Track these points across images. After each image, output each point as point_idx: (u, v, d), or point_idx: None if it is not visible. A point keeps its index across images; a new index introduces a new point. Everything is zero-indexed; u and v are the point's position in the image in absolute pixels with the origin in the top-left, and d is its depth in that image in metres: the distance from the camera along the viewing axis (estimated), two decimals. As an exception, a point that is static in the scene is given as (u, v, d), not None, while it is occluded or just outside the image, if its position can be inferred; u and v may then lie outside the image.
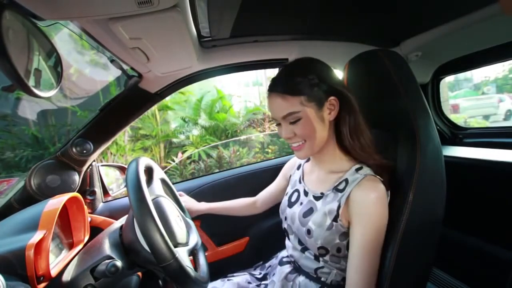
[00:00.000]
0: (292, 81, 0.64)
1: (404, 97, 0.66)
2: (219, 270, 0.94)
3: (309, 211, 0.68)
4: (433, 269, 1.19)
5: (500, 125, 3.03)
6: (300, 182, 0.78)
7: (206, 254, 0.99)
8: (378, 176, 0.62)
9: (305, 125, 0.63)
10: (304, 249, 0.70)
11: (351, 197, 0.60)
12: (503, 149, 1.06)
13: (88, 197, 0.97)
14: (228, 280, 0.82)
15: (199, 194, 1.10)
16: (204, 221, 1.10)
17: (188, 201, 1.00)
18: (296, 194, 0.76)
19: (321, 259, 0.67)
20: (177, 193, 0.87)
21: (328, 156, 0.70)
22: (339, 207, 0.62)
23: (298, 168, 0.83)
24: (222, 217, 1.00)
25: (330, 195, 0.65)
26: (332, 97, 0.63)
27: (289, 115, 0.63)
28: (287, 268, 0.76)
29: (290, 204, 0.76)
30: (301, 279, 0.71)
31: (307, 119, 0.63)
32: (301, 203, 0.72)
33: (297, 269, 0.74)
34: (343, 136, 0.65)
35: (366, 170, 0.63)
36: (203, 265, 0.72)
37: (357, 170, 0.64)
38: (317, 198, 0.68)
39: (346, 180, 0.63)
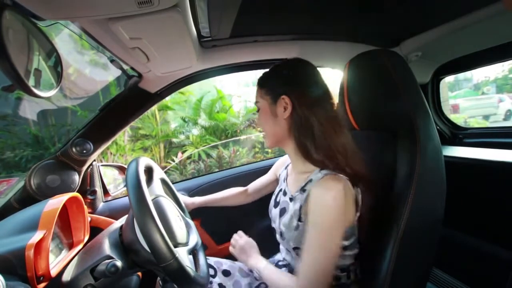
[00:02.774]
0: (265, 74, 0.71)
1: (404, 97, 0.66)
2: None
3: (282, 212, 0.69)
4: (433, 269, 1.19)
5: (500, 125, 3.03)
6: (284, 181, 0.78)
7: (206, 252, 0.99)
8: (340, 174, 0.59)
9: (260, 116, 0.70)
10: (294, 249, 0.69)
11: (310, 195, 0.59)
12: (503, 149, 1.06)
13: (89, 197, 0.97)
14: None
15: (199, 193, 1.11)
16: (204, 220, 1.10)
17: (181, 197, 0.98)
18: (280, 193, 0.76)
19: None
20: (177, 193, 0.87)
21: (292, 156, 0.70)
22: (301, 206, 0.62)
23: (286, 167, 0.84)
24: (223, 215, 1.02)
25: (298, 196, 0.65)
26: (284, 96, 0.63)
27: (255, 103, 0.71)
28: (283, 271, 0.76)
29: (275, 204, 0.75)
30: None
31: (262, 110, 0.69)
32: (280, 203, 0.72)
33: (292, 271, 0.74)
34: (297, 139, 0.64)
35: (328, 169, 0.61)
36: (203, 265, 0.72)
37: (321, 169, 0.62)
38: (290, 199, 0.68)
39: (311, 180, 0.62)
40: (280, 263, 0.80)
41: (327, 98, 0.65)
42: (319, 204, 0.56)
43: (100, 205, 1.03)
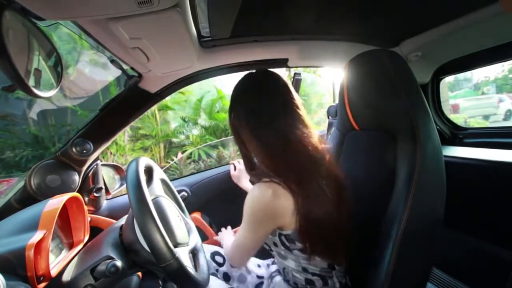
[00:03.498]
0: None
1: (404, 97, 0.66)
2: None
3: None
4: (433, 269, 1.19)
5: (500, 125, 3.03)
6: None
7: (206, 242, 1.03)
8: (275, 181, 0.58)
9: None
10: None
11: None
12: (503, 149, 1.06)
13: (95, 194, 0.99)
14: None
15: (199, 188, 1.21)
16: (204, 212, 1.17)
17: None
18: None
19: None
20: (177, 193, 0.87)
21: None
22: None
23: None
24: (221, 206, 1.11)
25: None
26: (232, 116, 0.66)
27: None
28: (274, 267, 0.80)
29: None
30: (278, 279, 0.74)
31: None
32: None
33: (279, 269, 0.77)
34: None
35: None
36: (203, 265, 0.72)
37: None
38: None
39: None
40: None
41: (280, 114, 0.60)
42: (246, 200, 0.62)
43: (104, 202, 1.05)
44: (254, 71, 0.68)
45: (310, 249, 0.61)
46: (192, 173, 1.30)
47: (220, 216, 1.18)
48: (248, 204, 0.60)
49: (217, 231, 1.12)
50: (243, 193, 1.02)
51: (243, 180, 1.11)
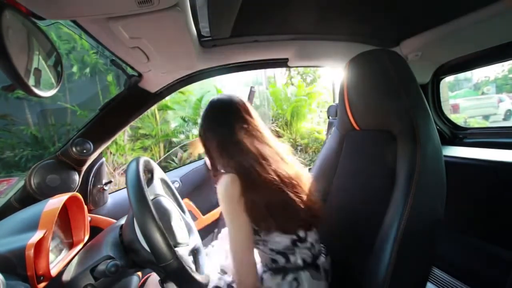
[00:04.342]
0: None
1: (404, 97, 0.66)
2: (207, 233, 1.32)
3: None
4: (433, 269, 1.19)
5: (500, 125, 3.03)
6: None
7: (195, 222, 1.09)
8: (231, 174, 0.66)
9: None
10: None
11: None
12: (503, 149, 1.06)
13: (104, 187, 1.04)
14: None
15: (189, 176, 1.35)
16: (192, 197, 1.32)
17: None
18: None
19: None
20: (177, 193, 0.87)
21: None
22: None
23: None
24: (204, 193, 1.33)
25: None
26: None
27: None
28: None
29: None
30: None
31: None
32: None
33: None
34: None
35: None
36: (203, 265, 0.72)
37: None
38: None
39: None
40: None
41: (231, 122, 0.70)
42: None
43: (108, 197, 1.09)
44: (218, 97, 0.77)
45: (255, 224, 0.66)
46: (183, 165, 1.47)
47: (205, 198, 1.36)
48: (220, 199, 0.65)
49: (203, 212, 1.35)
50: None
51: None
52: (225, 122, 0.71)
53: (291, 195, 0.66)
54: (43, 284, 0.53)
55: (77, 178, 0.91)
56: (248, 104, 0.76)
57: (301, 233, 0.69)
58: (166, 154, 4.64)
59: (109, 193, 1.13)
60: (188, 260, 0.63)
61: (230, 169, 0.67)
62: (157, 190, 0.72)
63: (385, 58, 0.69)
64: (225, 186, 0.64)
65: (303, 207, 0.67)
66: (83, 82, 4.69)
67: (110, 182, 1.07)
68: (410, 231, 0.58)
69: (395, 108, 0.68)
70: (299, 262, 0.68)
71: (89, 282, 0.56)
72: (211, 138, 0.72)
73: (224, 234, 0.88)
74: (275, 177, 0.65)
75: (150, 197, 0.56)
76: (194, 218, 1.33)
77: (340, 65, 1.13)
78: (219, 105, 0.74)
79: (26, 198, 0.82)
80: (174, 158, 4.68)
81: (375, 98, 0.73)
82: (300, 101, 5.04)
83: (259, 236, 0.68)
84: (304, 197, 0.68)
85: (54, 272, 0.56)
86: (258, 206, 0.65)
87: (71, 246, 0.70)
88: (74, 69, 4.43)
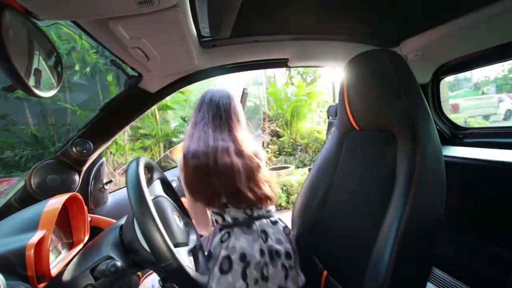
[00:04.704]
0: None
1: (404, 97, 0.66)
2: None
3: None
4: (433, 269, 1.19)
5: (500, 125, 3.03)
6: None
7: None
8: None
9: None
10: None
11: None
12: (503, 149, 1.06)
13: (105, 187, 1.05)
14: None
15: None
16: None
17: None
18: None
19: None
20: (177, 193, 0.87)
21: None
22: None
23: None
24: None
25: None
26: None
27: None
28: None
29: None
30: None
31: None
32: None
33: None
34: None
35: None
36: (203, 265, 0.72)
37: None
38: None
39: None
40: None
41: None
42: None
43: (109, 196, 1.10)
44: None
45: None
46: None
47: None
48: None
49: None
50: None
51: None
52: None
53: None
54: (43, 284, 0.53)
55: (77, 178, 0.91)
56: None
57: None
58: (163, 155, 4.64)
59: (109, 193, 1.13)
60: (188, 260, 0.63)
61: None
62: (157, 190, 0.72)
63: (385, 58, 0.69)
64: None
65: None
66: (83, 82, 4.69)
67: (110, 181, 1.07)
68: (410, 231, 0.58)
69: (395, 108, 0.68)
70: (230, 220, 0.86)
71: (89, 282, 0.56)
72: None
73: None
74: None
75: (150, 197, 0.56)
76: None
77: (340, 65, 1.13)
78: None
79: (26, 198, 0.82)
80: (174, 158, 4.68)
81: (375, 98, 0.73)
82: (300, 101, 5.04)
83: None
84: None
85: (54, 272, 0.56)
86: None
87: (71, 246, 0.70)
88: (75, 68, 4.43)
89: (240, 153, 0.84)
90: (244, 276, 0.78)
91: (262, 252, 0.81)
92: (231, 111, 0.89)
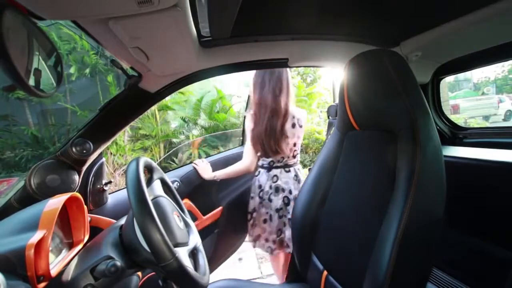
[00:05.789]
0: None
1: (404, 97, 0.66)
2: (207, 233, 1.38)
3: None
4: (433, 269, 1.19)
5: (500, 125, 3.03)
6: None
7: (195, 223, 1.15)
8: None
9: None
10: None
11: None
12: (503, 149, 1.06)
13: (104, 187, 1.05)
14: None
15: (189, 178, 1.38)
16: (192, 197, 1.35)
17: (206, 168, 1.42)
18: None
19: None
20: (176, 194, 0.87)
21: None
22: None
23: None
24: (204, 193, 1.40)
25: None
26: None
27: None
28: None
29: None
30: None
31: None
32: None
33: None
34: None
35: None
36: (203, 265, 0.72)
37: None
38: None
39: None
40: None
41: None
42: None
43: (108, 197, 1.10)
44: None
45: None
46: (181, 165, 1.49)
47: (204, 200, 1.42)
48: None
49: (204, 212, 1.39)
50: (220, 181, 1.39)
51: (209, 173, 1.40)
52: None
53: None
54: (43, 284, 0.53)
55: (77, 178, 0.91)
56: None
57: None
58: (166, 155, 4.65)
59: (109, 193, 1.13)
60: (188, 260, 0.63)
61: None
62: (157, 191, 0.72)
63: (385, 58, 0.69)
64: None
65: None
66: (83, 82, 4.69)
67: (110, 182, 1.07)
68: (410, 231, 0.58)
69: (395, 108, 0.68)
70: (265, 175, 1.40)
71: (89, 282, 0.56)
72: None
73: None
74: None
75: (150, 197, 0.56)
76: (194, 218, 1.34)
77: (340, 65, 1.13)
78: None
79: (26, 198, 0.82)
80: (174, 158, 4.69)
81: (375, 98, 0.73)
82: (300, 102, 5.04)
83: None
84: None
85: (54, 272, 0.56)
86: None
87: (71, 246, 0.70)
88: (73, 69, 4.43)
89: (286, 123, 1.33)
90: (260, 195, 1.38)
91: (270, 187, 1.36)
92: (290, 86, 1.37)
